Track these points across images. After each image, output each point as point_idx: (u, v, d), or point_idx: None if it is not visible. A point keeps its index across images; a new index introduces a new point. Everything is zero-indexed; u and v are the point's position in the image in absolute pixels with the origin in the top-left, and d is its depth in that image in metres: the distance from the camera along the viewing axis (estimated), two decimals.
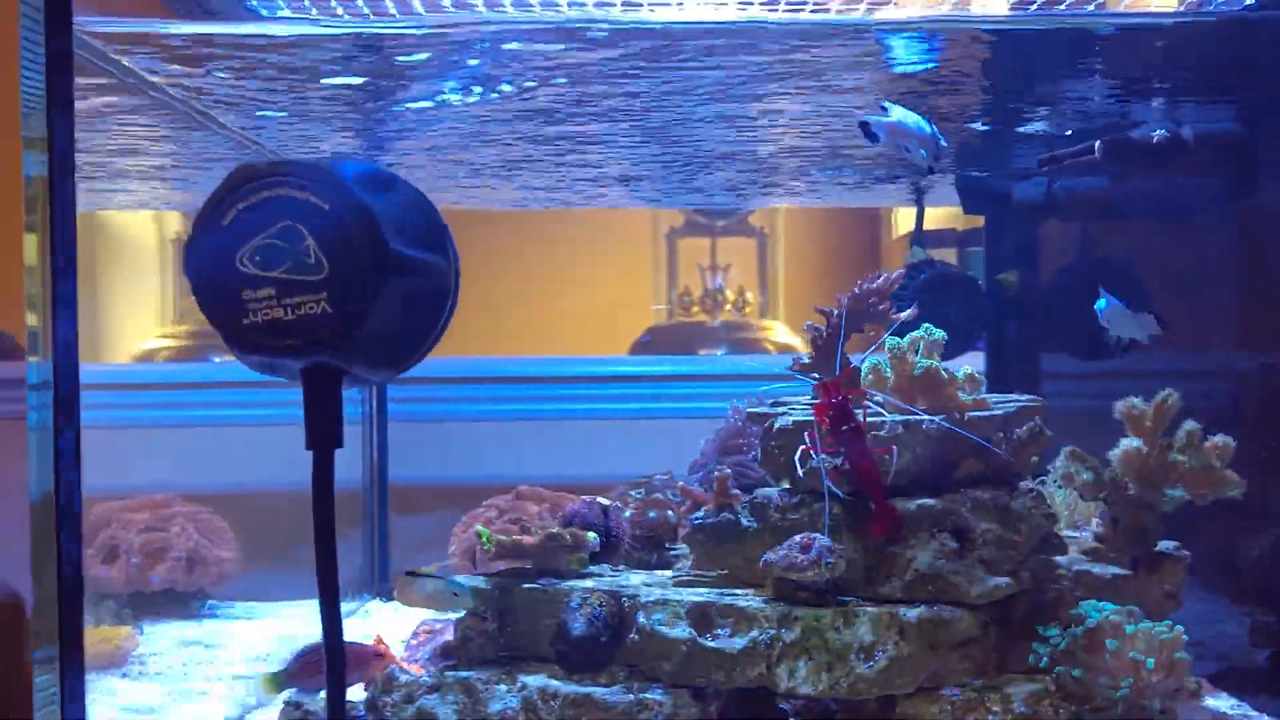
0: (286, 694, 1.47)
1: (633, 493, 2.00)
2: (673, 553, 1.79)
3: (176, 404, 3.10)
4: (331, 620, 1.08)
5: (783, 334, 4.23)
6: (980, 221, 2.77)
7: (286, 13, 1.49)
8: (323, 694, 1.55)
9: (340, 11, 1.47)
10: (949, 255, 2.90)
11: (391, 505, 2.85)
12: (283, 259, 1.00)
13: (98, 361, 3.32)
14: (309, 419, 1.07)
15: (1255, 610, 1.83)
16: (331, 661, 1.09)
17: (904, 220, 3.92)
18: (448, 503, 2.71)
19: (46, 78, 1.17)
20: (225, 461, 2.84)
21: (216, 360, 3.72)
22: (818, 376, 1.64)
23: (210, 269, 1.01)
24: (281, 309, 1.00)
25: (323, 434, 1.08)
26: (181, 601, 2.34)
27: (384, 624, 2.18)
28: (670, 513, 2.03)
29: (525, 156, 2.18)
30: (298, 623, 2.36)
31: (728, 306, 4.28)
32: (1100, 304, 1.69)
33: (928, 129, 1.44)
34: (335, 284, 0.99)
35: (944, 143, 1.48)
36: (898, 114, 1.43)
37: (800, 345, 4.06)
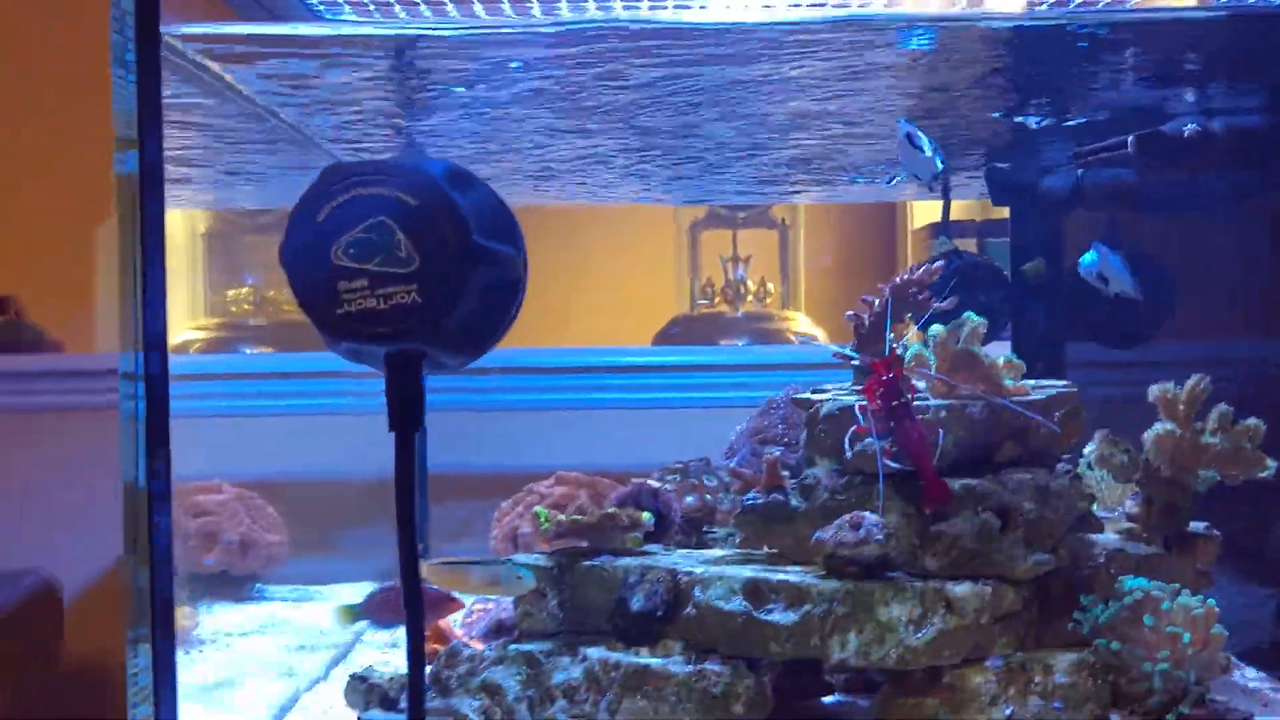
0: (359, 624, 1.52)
1: (668, 478, 2.06)
2: (710, 536, 1.85)
3: (209, 395, 3.16)
4: (413, 603, 1.13)
5: (804, 324, 4.28)
6: (1000, 213, 2.83)
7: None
8: (386, 664, 1.62)
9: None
10: (969, 246, 2.95)
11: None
12: (375, 252, 1.07)
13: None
14: (392, 403, 1.14)
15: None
16: (413, 646, 1.14)
17: (920, 212, 3.97)
18: (477, 491, 2.78)
19: (139, 79, 1.23)
20: (257, 452, 2.91)
21: (247, 352, 3.80)
22: (858, 362, 1.71)
23: (306, 262, 1.08)
24: (374, 299, 1.07)
25: (405, 417, 1.14)
26: (234, 584, 2.42)
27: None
28: (708, 497, 2.09)
29: (559, 154, 2.24)
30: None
31: (749, 297, 4.33)
32: (1090, 256, 1.76)
33: (928, 151, 1.56)
34: (425, 275, 1.06)
35: (940, 166, 1.60)
36: (908, 128, 1.56)
37: (822, 336, 4.12)
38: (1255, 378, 1.95)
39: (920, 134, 1.71)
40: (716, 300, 4.30)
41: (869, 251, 4.45)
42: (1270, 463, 1.61)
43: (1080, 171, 2.09)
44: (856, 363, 1.68)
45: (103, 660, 1.16)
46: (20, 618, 1.16)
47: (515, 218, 1.16)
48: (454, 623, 1.82)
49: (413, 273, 1.06)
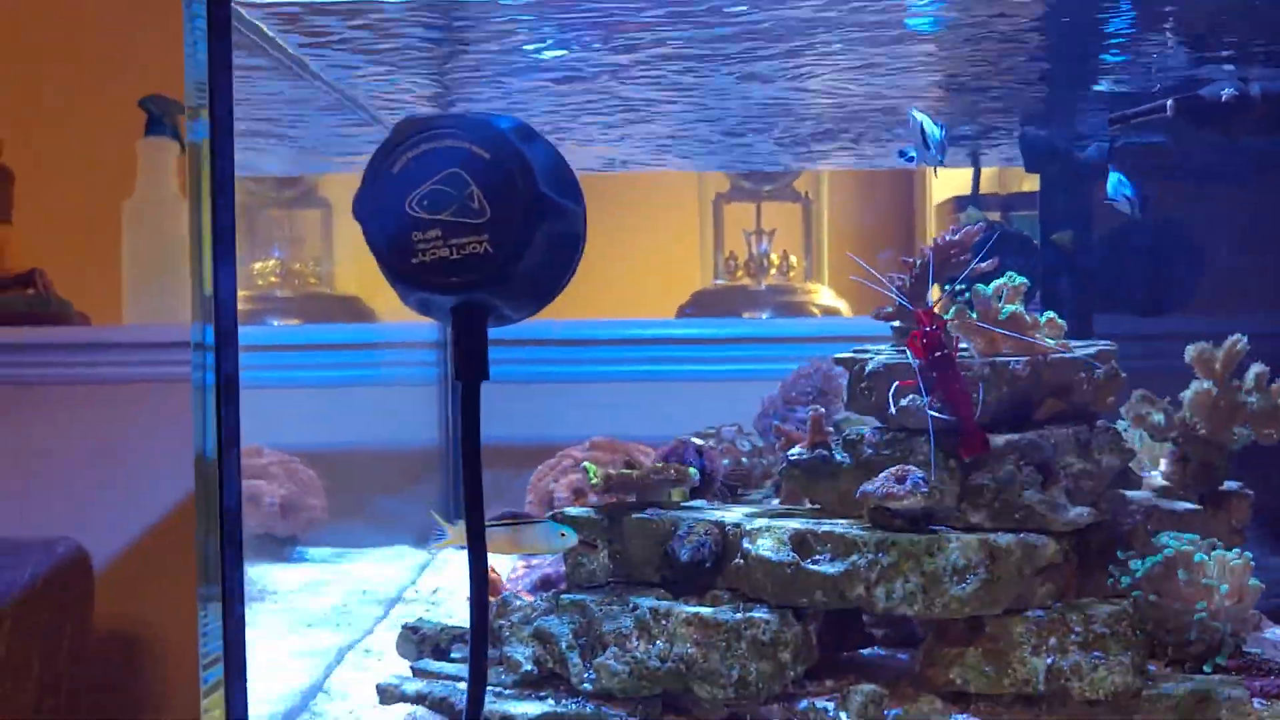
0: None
1: (701, 443, 2.10)
2: (746, 498, 1.89)
3: (240, 367, 3.20)
4: (477, 551, 1.17)
5: (827, 297, 4.30)
6: (1026, 187, 2.85)
7: None
8: (437, 617, 1.65)
9: None
10: (994, 218, 2.98)
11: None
12: (448, 203, 1.10)
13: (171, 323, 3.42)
14: (458, 352, 1.17)
15: None
16: (477, 590, 1.17)
17: (941, 186, 3.99)
18: (506, 460, 2.82)
19: (209, 44, 1.26)
20: (285, 423, 2.95)
21: (275, 324, 3.84)
22: (898, 325, 1.74)
23: (381, 213, 1.11)
24: (447, 249, 1.10)
25: (471, 367, 1.17)
26: (276, 545, 2.47)
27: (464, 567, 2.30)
28: (743, 460, 2.13)
29: (591, 116, 2.26)
30: (380, 566, 2.49)
31: (773, 270, 4.36)
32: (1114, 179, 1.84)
33: (938, 136, 1.75)
34: (496, 226, 1.09)
35: (943, 158, 1.79)
36: (920, 119, 1.75)
37: (844, 310, 4.14)
38: None
39: (932, 124, 1.79)
40: (739, 274, 4.33)
41: (890, 225, 4.47)
42: None
43: (1112, 138, 2.11)
44: (898, 323, 1.71)
45: (133, 628, 1.19)
46: (53, 585, 1.19)
47: (575, 174, 1.20)
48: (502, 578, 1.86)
49: (484, 223, 1.10)
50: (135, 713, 1.15)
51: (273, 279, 3.86)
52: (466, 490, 1.19)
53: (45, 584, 1.17)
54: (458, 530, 1.57)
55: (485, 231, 1.10)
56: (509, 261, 1.10)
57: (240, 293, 3.91)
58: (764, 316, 4.23)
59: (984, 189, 3.27)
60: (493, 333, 1.18)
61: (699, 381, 3.32)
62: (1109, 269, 2.49)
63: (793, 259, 4.36)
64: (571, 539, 1.55)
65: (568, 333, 3.35)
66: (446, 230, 1.10)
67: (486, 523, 1.66)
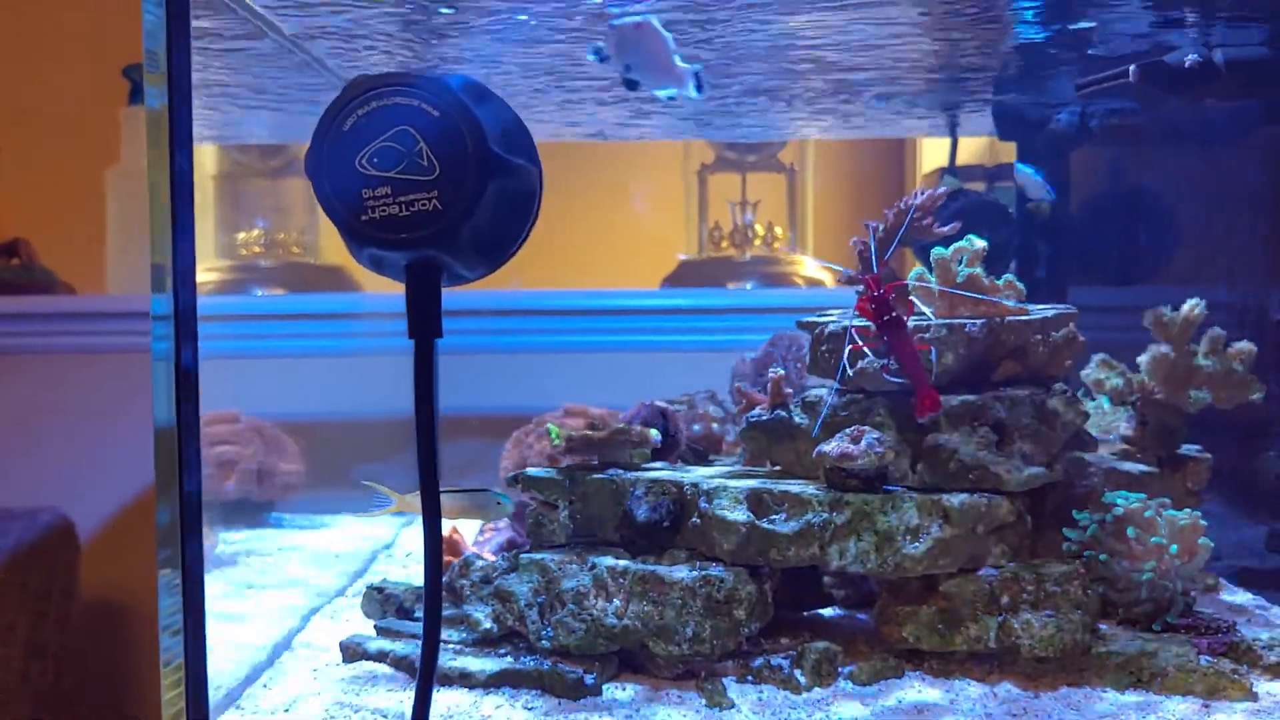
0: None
1: (675, 408, 2.11)
2: (716, 463, 1.90)
3: (221, 336, 3.21)
4: (432, 510, 1.17)
5: (812, 268, 4.31)
6: (1010, 158, 2.85)
7: None
8: (409, 579, 1.67)
9: None
10: (977, 188, 2.99)
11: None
12: (398, 160, 1.11)
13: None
14: (411, 310, 1.18)
15: (1273, 519, 1.95)
16: (430, 542, 1.18)
17: (930, 156, 3.99)
18: (484, 431, 2.83)
19: (166, 8, 1.26)
20: (270, 392, 2.97)
21: (259, 294, 3.84)
22: (851, 282, 1.75)
23: (332, 170, 1.12)
24: (396, 206, 1.11)
25: (424, 325, 1.18)
26: (252, 510, 2.48)
27: (445, 527, 2.32)
28: (715, 426, 2.14)
29: (562, 84, 2.25)
30: (356, 530, 2.50)
31: (757, 241, 4.36)
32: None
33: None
34: (445, 183, 1.10)
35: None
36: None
37: (829, 280, 4.15)
38: (1259, 320, 1.99)
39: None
40: (724, 244, 4.34)
41: (877, 195, 4.47)
42: (1260, 385, 1.65)
43: (1083, 105, 2.12)
44: (860, 288, 1.72)
45: (118, 596, 1.21)
46: (38, 553, 1.20)
47: (530, 133, 1.20)
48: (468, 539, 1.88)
49: (433, 180, 1.10)
50: (121, 678, 1.17)
51: (256, 248, 3.86)
52: (420, 453, 1.20)
53: (30, 552, 1.18)
54: (409, 500, 1.59)
55: (434, 188, 1.10)
56: (458, 219, 1.11)
57: (224, 262, 3.90)
58: (748, 287, 4.24)
59: (974, 160, 3.28)
60: (476, 302, 1.19)
61: (684, 351, 3.34)
62: (1084, 236, 2.50)
63: (777, 230, 4.37)
64: (509, 506, 1.57)
65: (553, 303, 3.36)
66: (396, 187, 1.11)
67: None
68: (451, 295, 1.22)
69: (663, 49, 1.53)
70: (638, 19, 1.51)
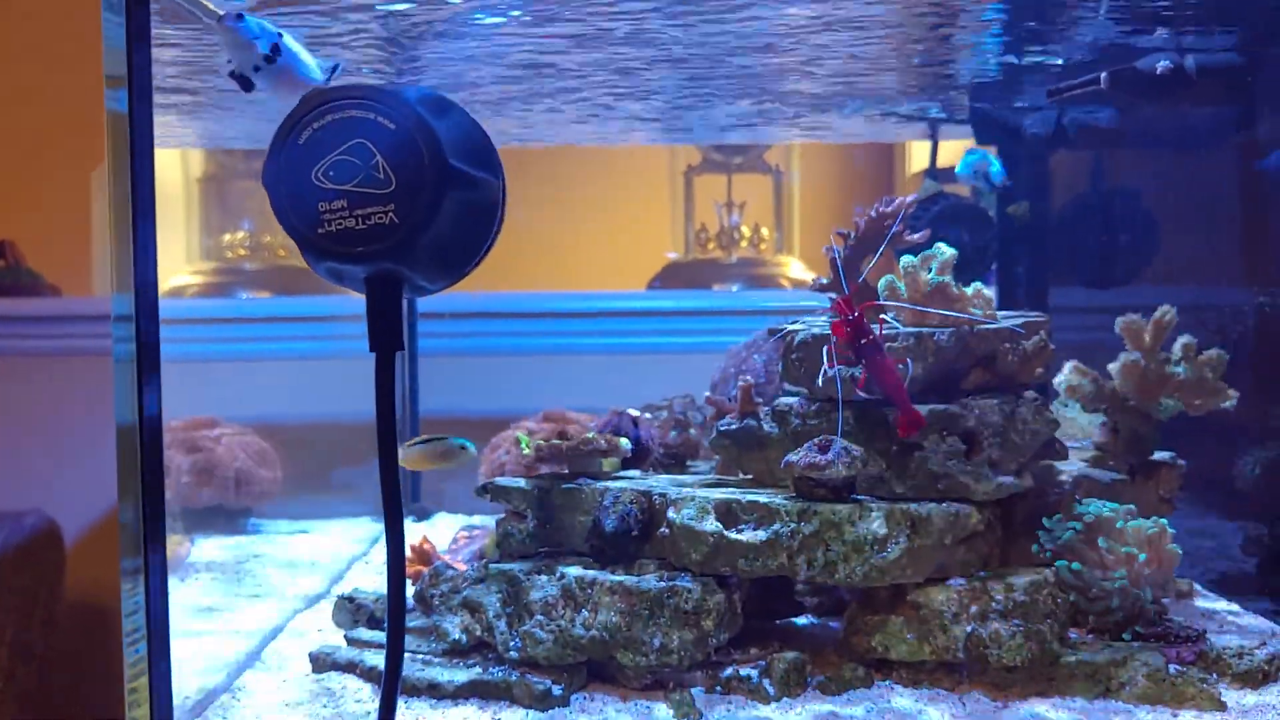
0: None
1: (652, 414, 2.11)
2: (694, 469, 1.90)
3: (204, 339, 3.20)
4: (394, 517, 1.17)
5: (798, 270, 4.31)
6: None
7: None
8: (382, 589, 1.66)
9: None
10: (961, 191, 2.99)
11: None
12: (354, 174, 1.10)
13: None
14: (372, 323, 1.17)
15: (1247, 523, 1.95)
16: (393, 552, 1.17)
17: (919, 157, 3.99)
18: (468, 433, 2.83)
19: (126, 11, 1.25)
20: (253, 394, 2.95)
21: (243, 296, 3.83)
22: (824, 294, 1.75)
23: (288, 183, 1.11)
24: (353, 219, 1.10)
25: (385, 338, 1.18)
26: (229, 517, 2.47)
27: (415, 536, 2.31)
28: (692, 431, 2.14)
29: (548, 88, 2.25)
30: (334, 538, 2.50)
31: (743, 243, 4.36)
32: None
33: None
34: (401, 196, 1.09)
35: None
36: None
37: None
38: (1234, 325, 1.99)
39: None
40: (710, 246, 4.34)
41: (864, 198, 4.46)
42: (1232, 393, 1.65)
43: (1058, 110, 2.11)
44: (831, 295, 1.72)
45: (104, 598, 1.20)
46: (23, 556, 1.20)
47: (492, 145, 1.19)
48: (439, 549, 1.87)
49: (390, 193, 1.10)
50: (106, 680, 1.16)
51: (242, 251, 3.85)
52: (382, 465, 1.19)
53: (16, 554, 1.18)
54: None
55: (390, 201, 1.10)
56: (415, 232, 1.10)
57: (208, 265, 3.88)
58: (734, 289, 4.24)
59: (955, 162, 3.27)
60: (463, 305, 1.19)
61: (669, 353, 3.33)
62: (1064, 240, 2.50)
63: (763, 231, 4.36)
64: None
65: (537, 305, 3.35)
66: (352, 200, 1.10)
67: (406, 445, 1.68)
68: (437, 296, 1.20)
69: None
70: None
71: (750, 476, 1.65)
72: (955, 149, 3.31)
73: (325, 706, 1.47)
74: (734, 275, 4.30)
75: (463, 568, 1.67)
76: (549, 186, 3.93)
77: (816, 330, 1.60)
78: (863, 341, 1.48)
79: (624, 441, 1.64)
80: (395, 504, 1.19)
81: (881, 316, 1.52)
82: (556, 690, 1.45)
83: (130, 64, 1.24)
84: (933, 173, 3.02)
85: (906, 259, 1.58)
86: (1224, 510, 2.04)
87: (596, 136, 2.90)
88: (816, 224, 4.41)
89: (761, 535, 1.47)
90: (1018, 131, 2.33)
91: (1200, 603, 1.83)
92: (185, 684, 1.49)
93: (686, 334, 3.45)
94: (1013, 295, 2.57)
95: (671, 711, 1.42)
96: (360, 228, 1.10)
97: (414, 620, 1.60)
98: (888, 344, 1.52)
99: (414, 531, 2.55)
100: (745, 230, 4.35)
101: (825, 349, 1.52)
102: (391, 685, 1.15)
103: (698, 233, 4.36)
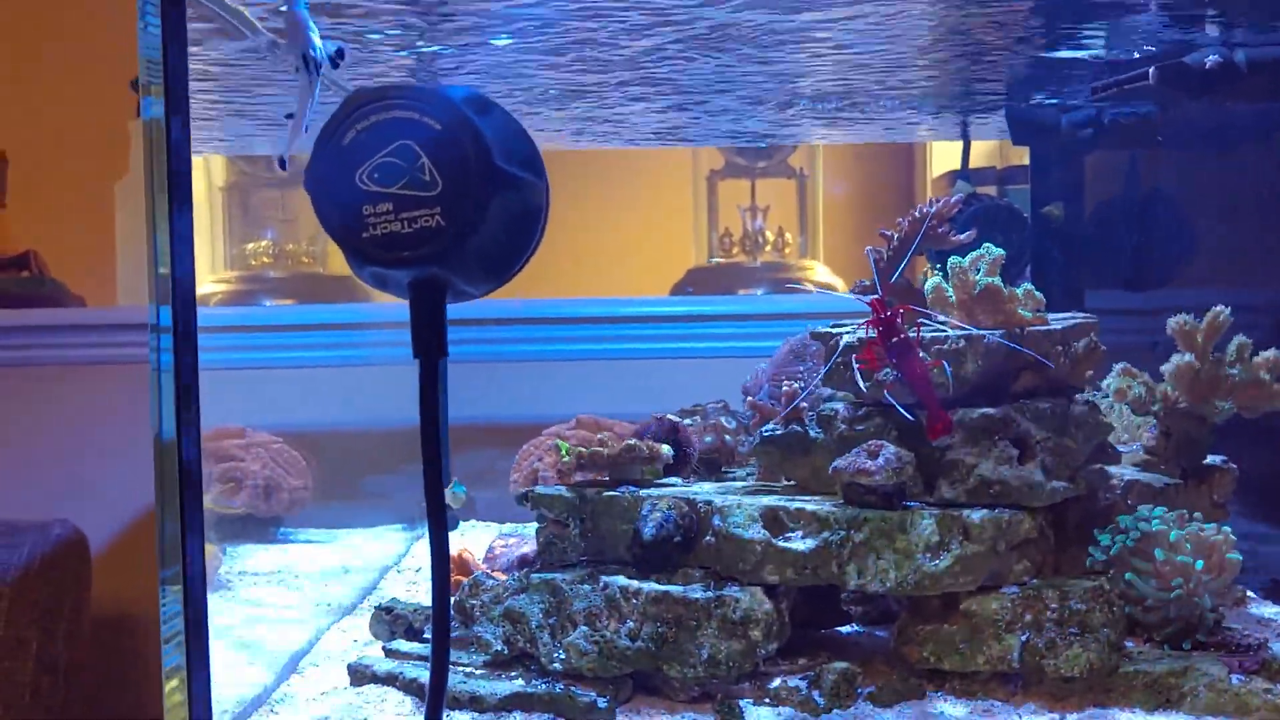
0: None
1: (686, 420, 2.08)
2: (729, 475, 1.87)
3: (230, 347, 3.19)
4: (438, 522, 1.14)
5: (822, 273, 4.28)
6: (1021, 160, 2.81)
7: None
8: (417, 598, 1.64)
9: None
10: (989, 192, 2.95)
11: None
12: (399, 176, 1.08)
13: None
14: (416, 329, 1.15)
15: None
16: (437, 563, 1.15)
17: (939, 159, 3.96)
18: (497, 440, 2.81)
19: (162, 15, 1.23)
20: (278, 403, 2.94)
21: (267, 304, 3.82)
22: (863, 298, 1.72)
23: (331, 187, 1.09)
24: (399, 223, 1.08)
25: (429, 343, 1.15)
26: (259, 526, 2.45)
27: (454, 546, 2.29)
28: (727, 438, 2.11)
29: (573, 89, 2.22)
30: (366, 547, 2.48)
31: (768, 247, 4.34)
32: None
33: None
34: (448, 199, 1.07)
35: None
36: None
37: (840, 286, 4.12)
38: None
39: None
40: (734, 250, 4.31)
41: (887, 200, 4.44)
42: None
43: (1099, 108, 2.08)
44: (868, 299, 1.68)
45: (129, 609, 1.19)
46: (49, 566, 1.19)
47: (536, 145, 1.17)
48: (478, 558, 1.85)
49: (436, 196, 1.07)
50: (131, 692, 1.15)
51: (265, 259, 3.84)
52: (426, 472, 1.17)
53: (42, 565, 1.17)
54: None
55: (437, 204, 1.07)
56: (462, 235, 1.08)
57: (232, 273, 3.89)
58: (759, 293, 4.21)
59: (984, 163, 3.24)
60: (487, 312, 1.17)
61: (695, 359, 3.31)
62: (1100, 241, 2.46)
63: (787, 235, 4.34)
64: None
65: (562, 311, 3.33)
66: (398, 204, 1.08)
67: None
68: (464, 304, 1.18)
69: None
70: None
71: (793, 483, 1.61)
72: (987, 150, 3.28)
73: None
74: (759, 279, 4.27)
75: (503, 577, 1.64)
76: (571, 190, 3.92)
77: (862, 334, 1.57)
78: (895, 341, 1.44)
79: (665, 448, 1.61)
80: (440, 513, 1.17)
81: (920, 320, 1.49)
82: (602, 703, 1.42)
83: (166, 69, 1.23)
84: (964, 174, 2.99)
85: (954, 260, 1.54)
86: (1277, 516, 1.99)
87: (620, 140, 2.87)
88: (841, 228, 4.38)
89: (811, 543, 1.43)
90: (1056, 129, 2.29)
91: (1255, 610, 1.79)
92: (220, 695, 1.47)
93: (711, 340, 3.42)
94: (1049, 296, 2.53)
95: None
96: (406, 231, 1.08)
97: (454, 631, 1.58)
98: (935, 347, 1.48)
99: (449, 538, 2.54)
100: (769, 234, 4.32)
101: (862, 349, 1.48)
102: (436, 701, 1.13)
103: (721, 237, 4.33)
